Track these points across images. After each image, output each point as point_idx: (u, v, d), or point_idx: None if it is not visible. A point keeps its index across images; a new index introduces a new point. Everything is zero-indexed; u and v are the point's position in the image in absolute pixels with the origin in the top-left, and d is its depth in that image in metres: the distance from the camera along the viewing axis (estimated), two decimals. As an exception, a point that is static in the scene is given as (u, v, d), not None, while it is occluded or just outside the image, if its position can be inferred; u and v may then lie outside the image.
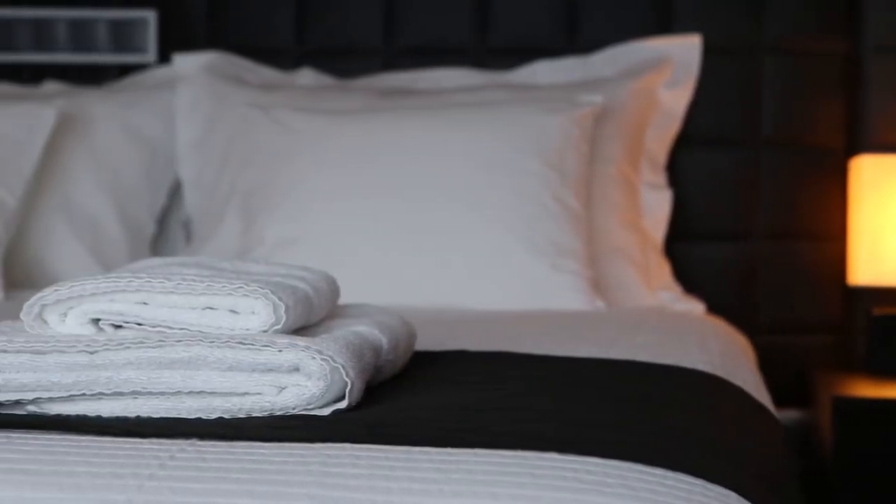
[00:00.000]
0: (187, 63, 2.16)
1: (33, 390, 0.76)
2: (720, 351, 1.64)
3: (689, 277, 2.11)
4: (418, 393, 0.95)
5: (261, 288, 0.82)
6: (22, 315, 0.80)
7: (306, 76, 2.21)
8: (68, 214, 2.05)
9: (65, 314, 0.81)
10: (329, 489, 0.56)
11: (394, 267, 1.91)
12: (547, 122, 2.06)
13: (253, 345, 0.77)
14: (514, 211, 1.96)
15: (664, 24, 2.22)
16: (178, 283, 0.81)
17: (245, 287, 0.81)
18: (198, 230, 2.10)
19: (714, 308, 2.04)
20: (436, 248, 1.89)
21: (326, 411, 0.77)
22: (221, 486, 0.58)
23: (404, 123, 2.08)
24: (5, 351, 0.76)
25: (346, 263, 1.63)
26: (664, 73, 2.18)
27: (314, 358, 0.75)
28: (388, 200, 1.95)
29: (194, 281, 0.82)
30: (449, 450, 0.65)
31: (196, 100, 2.13)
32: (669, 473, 0.63)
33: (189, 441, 0.68)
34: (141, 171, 2.10)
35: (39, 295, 0.80)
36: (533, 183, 1.98)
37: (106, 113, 2.07)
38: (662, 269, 2.12)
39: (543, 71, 2.17)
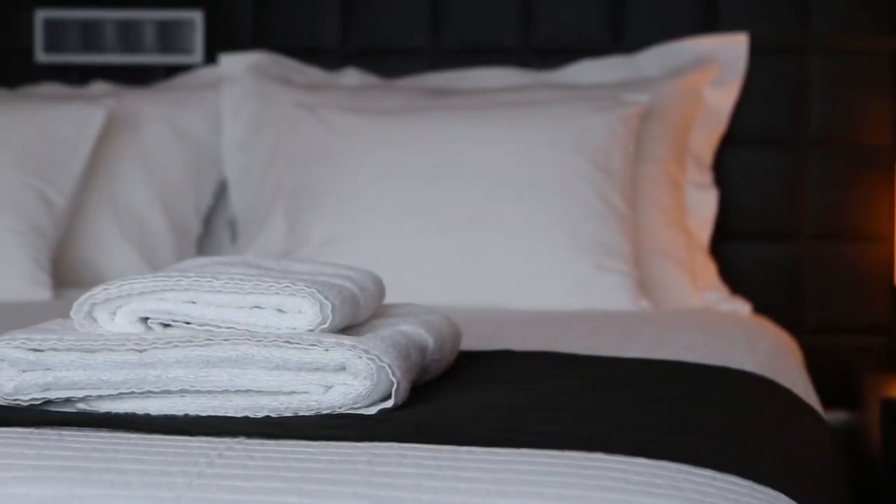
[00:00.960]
0: (233, 63, 2.18)
1: (83, 388, 0.76)
2: (767, 351, 1.63)
3: (735, 278, 2.09)
4: (464, 393, 0.95)
5: (307, 287, 0.81)
6: (72, 313, 0.81)
7: (351, 76, 2.22)
8: (115, 214, 2.08)
9: (114, 313, 0.81)
10: (375, 488, 0.56)
11: (439, 266, 1.90)
12: (592, 122, 2.05)
13: (300, 344, 0.77)
14: (559, 211, 1.95)
15: (710, 23, 2.19)
16: (226, 283, 0.81)
17: (292, 286, 0.81)
18: (243, 229, 2.11)
19: (760, 308, 2.02)
20: (480, 247, 1.89)
21: (373, 410, 0.77)
22: (269, 485, 0.58)
23: (449, 123, 2.07)
24: (56, 349, 0.76)
25: (391, 263, 1.63)
26: (710, 73, 2.15)
27: (360, 357, 0.75)
28: (432, 200, 1.95)
29: (241, 280, 0.82)
30: (495, 449, 0.64)
31: (242, 100, 2.15)
32: (718, 475, 0.63)
33: (237, 439, 0.68)
34: (187, 171, 2.12)
35: (89, 293, 0.81)
36: (578, 183, 1.97)
37: (153, 113, 2.10)
38: (708, 270, 2.10)
39: (588, 70, 2.16)
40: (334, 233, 1.93)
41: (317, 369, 0.76)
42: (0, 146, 1.98)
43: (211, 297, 0.81)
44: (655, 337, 1.53)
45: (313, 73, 2.21)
